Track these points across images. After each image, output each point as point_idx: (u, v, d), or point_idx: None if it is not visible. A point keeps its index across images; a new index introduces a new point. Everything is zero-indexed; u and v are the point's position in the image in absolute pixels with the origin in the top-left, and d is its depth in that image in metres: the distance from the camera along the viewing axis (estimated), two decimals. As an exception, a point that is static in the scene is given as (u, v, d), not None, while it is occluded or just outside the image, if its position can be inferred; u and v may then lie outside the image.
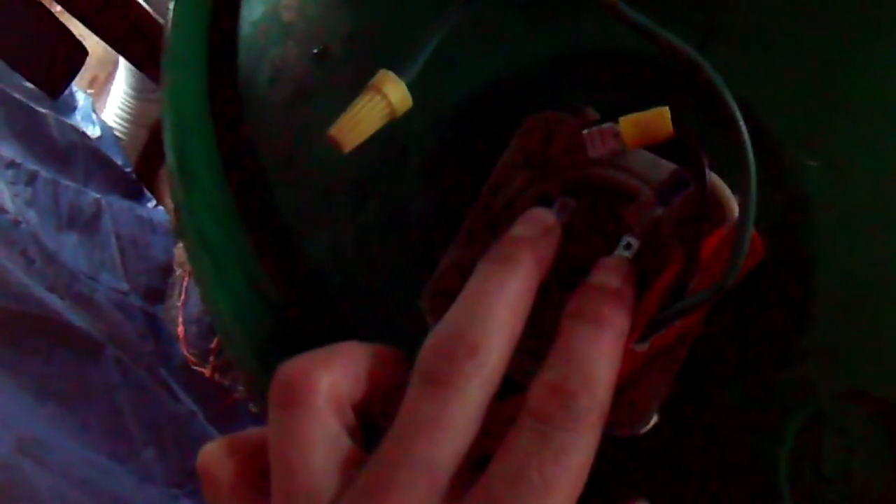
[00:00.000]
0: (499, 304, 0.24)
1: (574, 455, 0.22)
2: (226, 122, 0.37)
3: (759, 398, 0.26)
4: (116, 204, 1.08)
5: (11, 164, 0.95)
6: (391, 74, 0.26)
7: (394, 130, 0.28)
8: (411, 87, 0.28)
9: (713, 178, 0.26)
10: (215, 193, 0.35)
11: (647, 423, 0.26)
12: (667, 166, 0.27)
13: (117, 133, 1.27)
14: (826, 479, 0.25)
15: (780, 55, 0.28)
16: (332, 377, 0.24)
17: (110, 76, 1.38)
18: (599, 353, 0.24)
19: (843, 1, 0.28)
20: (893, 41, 0.27)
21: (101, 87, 1.43)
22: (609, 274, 0.25)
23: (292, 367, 0.24)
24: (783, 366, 0.26)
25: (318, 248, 0.33)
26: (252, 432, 0.25)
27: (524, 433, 0.22)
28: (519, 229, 0.26)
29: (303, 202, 0.34)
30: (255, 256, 0.34)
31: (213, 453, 0.24)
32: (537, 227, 0.26)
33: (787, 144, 0.27)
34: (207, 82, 0.39)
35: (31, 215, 0.94)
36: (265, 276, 0.33)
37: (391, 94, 0.26)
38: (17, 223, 0.88)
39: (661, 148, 0.26)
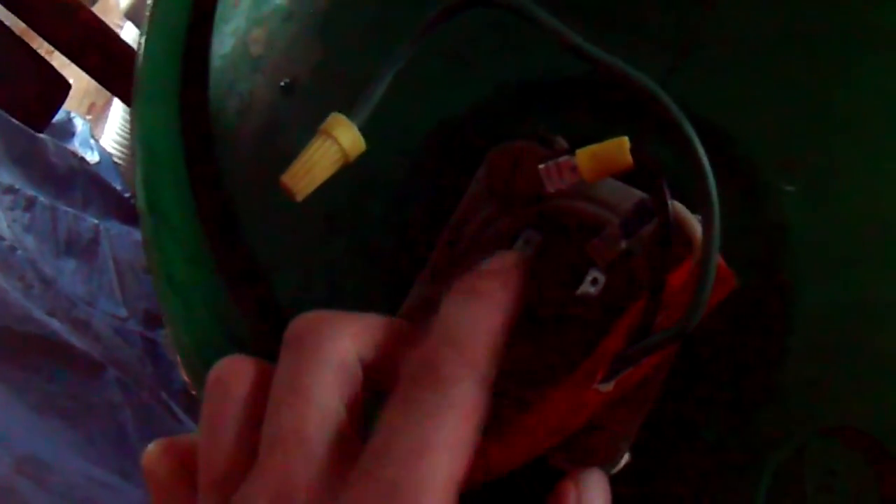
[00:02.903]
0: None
1: (444, 418, 0.21)
2: (197, 157, 0.37)
3: (736, 435, 0.25)
4: (115, 229, 1.08)
5: (9, 190, 0.95)
6: (342, 118, 0.26)
7: (360, 165, 0.27)
8: (374, 121, 0.27)
9: (678, 208, 0.25)
10: (185, 230, 0.35)
11: (618, 463, 0.25)
12: (637, 196, 0.26)
13: (116, 159, 1.28)
14: (809, 521, 0.24)
15: (758, 78, 0.27)
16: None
17: (108, 102, 1.39)
18: (471, 318, 0.23)
19: (826, 23, 0.27)
20: (878, 66, 0.26)
21: (99, 113, 1.44)
22: (492, 260, 0.25)
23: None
24: (761, 402, 0.25)
25: (288, 284, 0.33)
26: (190, 435, 0.25)
27: (394, 405, 0.22)
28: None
29: (272, 237, 0.34)
30: (224, 293, 0.33)
31: (153, 452, 0.25)
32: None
33: (764, 170, 0.26)
34: (179, 117, 0.38)
35: (29, 241, 0.94)
36: (233, 313, 0.33)
37: (342, 138, 0.25)
38: (13, 249, 0.89)
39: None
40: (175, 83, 0.39)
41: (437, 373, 0.22)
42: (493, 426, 0.25)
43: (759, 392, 0.25)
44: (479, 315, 0.23)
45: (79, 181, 1.11)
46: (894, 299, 0.25)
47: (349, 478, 0.21)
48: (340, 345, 0.23)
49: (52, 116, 0.98)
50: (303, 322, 0.24)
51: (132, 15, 1.19)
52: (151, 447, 0.25)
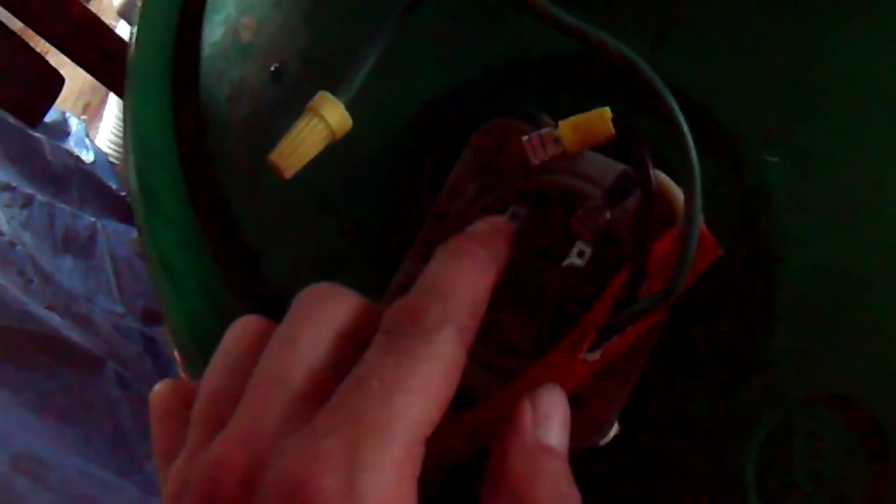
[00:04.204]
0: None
1: (421, 363, 0.21)
2: (188, 143, 0.37)
3: (724, 405, 0.26)
4: (111, 227, 1.08)
5: (7, 188, 0.96)
6: (329, 96, 0.26)
7: (349, 144, 0.28)
8: (362, 101, 0.27)
9: (661, 177, 0.25)
10: (177, 215, 0.35)
11: (608, 433, 0.25)
12: (620, 168, 0.26)
13: (111, 158, 1.28)
14: (797, 487, 0.25)
15: (739, 51, 0.28)
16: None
17: (103, 102, 1.39)
18: (455, 272, 0.24)
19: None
20: (857, 34, 0.27)
21: (94, 112, 1.44)
22: (477, 223, 0.26)
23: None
24: (748, 371, 0.25)
25: (279, 266, 0.33)
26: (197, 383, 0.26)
27: (373, 348, 0.22)
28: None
29: (263, 220, 0.34)
30: (216, 276, 0.34)
31: (160, 388, 0.27)
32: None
33: (748, 142, 0.27)
34: (170, 104, 0.39)
35: (27, 238, 0.94)
36: (226, 295, 0.33)
37: (329, 116, 0.26)
38: (12, 244, 0.89)
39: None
40: (166, 72, 0.39)
41: (419, 320, 0.22)
42: (479, 398, 0.25)
43: (747, 360, 0.26)
44: (462, 270, 0.24)
45: (75, 180, 1.11)
46: (877, 265, 0.25)
47: (322, 409, 0.21)
48: (338, 307, 0.24)
49: (46, 111, 0.98)
50: (310, 288, 0.25)
51: (125, 13, 1.20)
52: (160, 384, 0.27)
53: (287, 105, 0.34)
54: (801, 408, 0.25)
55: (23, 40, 0.92)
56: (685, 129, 0.24)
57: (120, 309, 1.01)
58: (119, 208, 1.15)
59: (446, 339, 0.22)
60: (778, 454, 0.25)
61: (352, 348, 0.23)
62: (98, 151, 1.22)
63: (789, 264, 0.26)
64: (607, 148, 0.26)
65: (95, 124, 1.37)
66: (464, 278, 0.24)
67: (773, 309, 0.26)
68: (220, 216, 0.35)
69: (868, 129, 0.26)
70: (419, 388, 0.21)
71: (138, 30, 0.40)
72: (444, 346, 0.22)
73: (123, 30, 1.34)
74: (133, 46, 0.40)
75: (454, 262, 0.24)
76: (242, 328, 0.25)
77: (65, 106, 1.26)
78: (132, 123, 0.38)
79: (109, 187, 1.17)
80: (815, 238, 0.26)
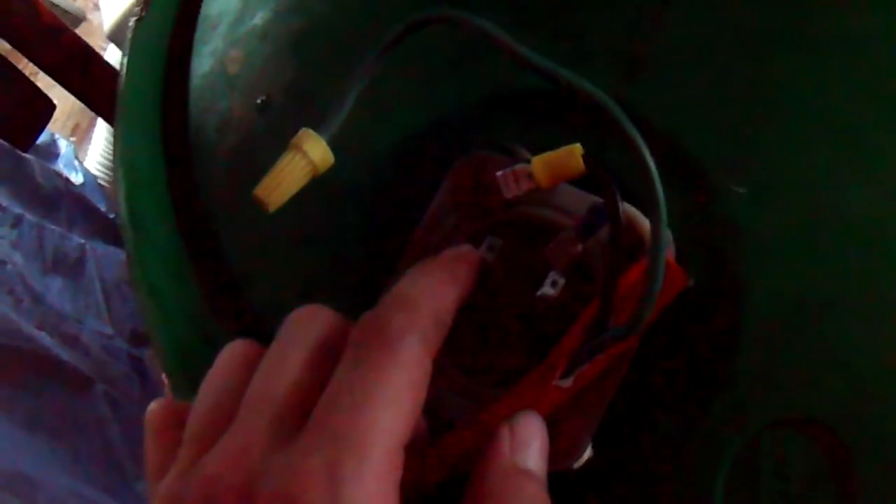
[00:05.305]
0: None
1: (388, 374, 0.23)
2: (177, 173, 0.38)
3: (690, 428, 0.26)
4: (100, 249, 1.08)
5: (-3, 207, 0.96)
6: (311, 133, 0.27)
7: (330, 178, 0.28)
8: (344, 136, 0.28)
9: (630, 210, 0.26)
10: (165, 243, 0.36)
11: (581, 457, 0.26)
12: (594, 201, 0.27)
13: (100, 181, 1.28)
14: (764, 509, 0.25)
15: (703, 83, 0.29)
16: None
17: (92, 124, 1.39)
18: (420, 287, 0.25)
19: (762, 25, 0.28)
20: (813, 63, 0.28)
21: (83, 134, 1.44)
22: (446, 250, 0.27)
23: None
24: (715, 394, 0.26)
25: (264, 294, 0.34)
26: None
27: (343, 363, 0.23)
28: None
29: (248, 249, 0.35)
30: (203, 303, 0.34)
31: (155, 406, 0.28)
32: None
33: (714, 172, 0.28)
34: (160, 134, 0.40)
35: (17, 258, 0.94)
36: (212, 322, 0.34)
37: (312, 152, 0.27)
38: (3, 263, 0.89)
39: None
40: (156, 102, 0.40)
41: (384, 331, 0.23)
42: (455, 424, 0.26)
43: (713, 384, 0.26)
44: (428, 285, 0.25)
45: (64, 202, 1.11)
46: (838, 292, 0.26)
47: (305, 427, 0.23)
48: (323, 327, 0.25)
49: (37, 136, 0.99)
50: (297, 310, 0.26)
51: (115, 37, 1.20)
52: (155, 402, 0.28)
53: (273, 137, 0.35)
54: (766, 430, 0.26)
55: (12, 65, 0.92)
56: (650, 162, 0.25)
57: (109, 330, 1.01)
58: (108, 231, 1.15)
59: (410, 346, 0.23)
60: (745, 477, 0.25)
61: (335, 364, 0.24)
62: (87, 173, 1.22)
63: (754, 291, 0.27)
64: (584, 180, 0.27)
65: (85, 146, 1.38)
66: (426, 292, 0.25)
67: (738, 334, 0.26)
68: (207, 245, 0.36)
69: (823, 158, 0.27)
70: (388, 400, 0.22)
71: (129, 59, 0.41)
72: (409, 353, 0.23)
73: (113, 53, 1.35)
74: (124, 76, 0.41)
75: (417, 279, 0.25)
76: (234, 351, 0.26)
77: (54, 127, 1.26)
78: (122, 151, 0.39)
79: (98, 209, 1.17)
80: (778, 264, 0.27)
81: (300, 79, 0.35)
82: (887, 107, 0.27)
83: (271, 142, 0.35)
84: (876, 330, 0.26)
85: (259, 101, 0.36)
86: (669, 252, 0.25)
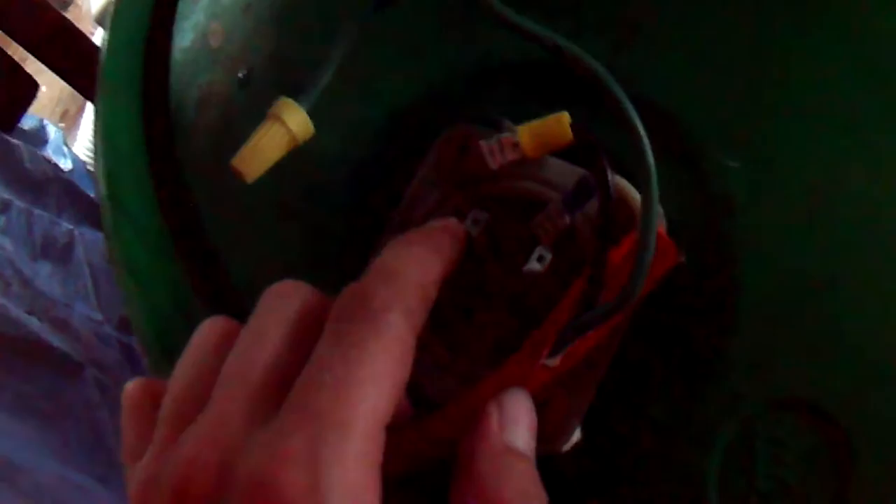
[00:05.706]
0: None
1: (369, 351, 0.22)
2: (158, 149, 0.37)
3: (685, 411, 0.26)
4: (89, 235, 1.08)
5: (-16, 193, 0.95)
6: (290, 102, 0.26)
7: (313, 152, 0.28)
8: (327, 108, 0.27)
9: (620, 183, 0.25)
10: (145, 219, 0.35)
11: (569, 439, 0.25)
12: (582, 174, 0.27)
13: (89, 166, 1.27)
14: (760, 494, 0.25)
15: (700, 54, 0.28)
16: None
17: (81, 110, 1.38)
18: (403, 260, 0.24)
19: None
20: (814, 40, 0.27)
21: (72, 120, 1.43)
22: (428, 223, 0.27)
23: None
24: (709, 376, 0.26)
25: (244, 269, 0.33)
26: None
27: (324, 339, 0.23)
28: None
29: (228, 224, 0.34)
30: (183, 279, 0.34)
31: (132, 385, 0.27)
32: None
33: (709, 147, 0.27)
34: (140, 110, 0.39)
35: (6, 243, 0.94)
36: (192, 298, 0.33)
37: (290, 121, 0.26)
38: (-9, 248, 0.88)
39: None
40: (137, 77, 0.39)
41: (367, 306, 0.23)
42: (440, 403, 0.25)
43: (707, 365, 0.26)
44: (411, 258, 0.24)
45: (53, 187, 1.11)
46: (837, 267, 0.25)
47: (283, 406, 0.22)
48: (301, 303, 0.25)
49: (21, 116, 0.98)
50: (274, 286, 0.25)
51: (104, 21, 1.19)
52: (131, 382, 0.27)
53: (254, 110, 0.34)
54: (763, 413, 0.25)
55: (-2, 45, 0.91)
56: (642, 132, 0.24)
57: (98, 316, 1.01)
58: (97, 216, 1.14)
59: (394, 321, 0.22)
60: (740, 461, 0.25)
61: (315, 341, 0.24)
62: (76, 159, 1.21)
63: (750, 268, 0.26)
64: (571, 153, 0.26)
65: (73, 132, 1.37)
66: (410, 265, 0.24)
67: (734, 313, 0.26)
68: (187, 220, 0.35)
69: (823, 132, 0.26)
70: (370, 378, 0.21)
71: (110, 35, 0.40)
72: (393, 328, 0.22)
73: (101, 37, 1.34)
74: (105, 51, 0.40)
75: (401, 251, 0.25)
76: (210, 328, 0.26)
77: (43, 114, 1.25)
78: (102, 127, 0.38)
79: (87, 195, 1.16)
80: (775, 242, 0.26)
81: (283, 51, 0.34)
82: (890, 82, 0.26)
83: (252, 115, 0.34)
84: (880, 310, 0.25)
85: (241, 74, 0.35)
86: (661, 225, 0.25)
